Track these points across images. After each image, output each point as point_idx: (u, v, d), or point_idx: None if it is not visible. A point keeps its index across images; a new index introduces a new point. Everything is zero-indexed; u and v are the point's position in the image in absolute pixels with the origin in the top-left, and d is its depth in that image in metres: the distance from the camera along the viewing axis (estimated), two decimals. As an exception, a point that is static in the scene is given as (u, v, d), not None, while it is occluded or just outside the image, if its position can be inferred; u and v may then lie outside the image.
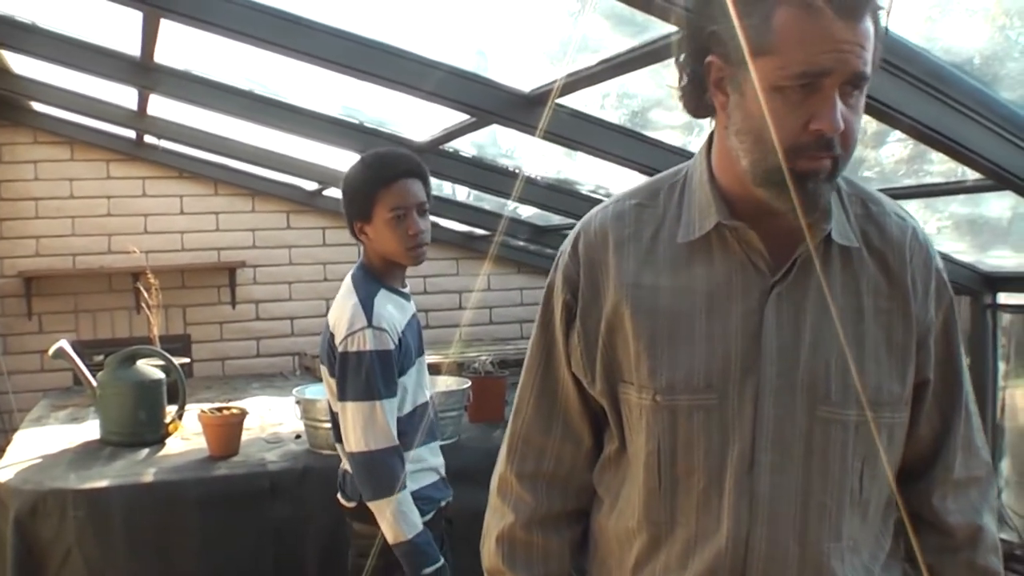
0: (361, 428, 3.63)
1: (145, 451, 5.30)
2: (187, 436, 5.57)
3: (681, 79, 2.01)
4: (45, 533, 4.48)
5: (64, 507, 4.49)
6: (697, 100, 1.98)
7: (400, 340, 3.72)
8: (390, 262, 3.83)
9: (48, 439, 5.69)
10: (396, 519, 3.59)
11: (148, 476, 4.81)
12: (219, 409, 5.24)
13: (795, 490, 1.91)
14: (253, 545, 4.68)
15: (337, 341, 3.69)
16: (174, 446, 5.42)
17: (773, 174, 1.82)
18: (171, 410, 5.68)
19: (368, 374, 3.62)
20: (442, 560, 3.65)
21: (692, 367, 1.94)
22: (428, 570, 3.59)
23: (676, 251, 2.01)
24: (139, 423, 5.43)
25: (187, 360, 7.63)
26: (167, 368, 5.72)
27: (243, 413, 5.19)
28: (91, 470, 4.88)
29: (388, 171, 3.78)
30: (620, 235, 2.07)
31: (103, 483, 4.68)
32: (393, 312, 3.75)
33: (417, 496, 3.69)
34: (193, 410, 5.62)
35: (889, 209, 2.07)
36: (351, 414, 3.65)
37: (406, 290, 3.93)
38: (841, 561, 1.94)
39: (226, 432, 5.09)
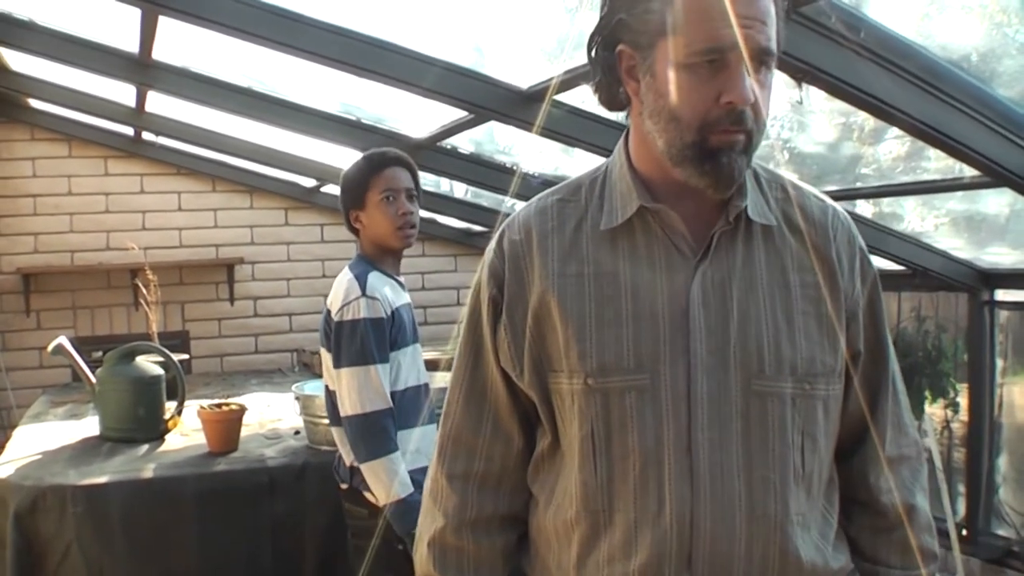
0: (356, 391, 3.81)
1: (144, 447, 5.30)
2: (186, 432, 5.57)
3: (594, 73, 2.05)
4: (45, 529, 4.49)
5: (64, 503, 4.49)
6: (611, 92, 2.04)
7: (393, 314, 3.93)
8: (383, 249, 4.07)
9: (47, 435, 5.69)
10: (390, 478, 3.75)
11: (147, 472, 4.81)
12: (218, 405, 5.25)
13: (737, 466, 1.91)
14: (252, 540, 4.69)
15: (333, 313, 3.92)
16: (173, 442, 5.42)
17: (688, 150, 1.88)
18: (170, 406, 5.67)
19: (363, 340, 3.83)
20: None
21: (621, 348, 1.95)
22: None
23: (600, 239, 2.03)
24: (138, 419, 5.44)
25: (186, 356, 7.63)
26: (166, 364, 5.72)
27: (242, 409, 5.20)
28: (91, 466, 4.89)
29: (378, 159, 4.10)
30: (543, 229, 2.09)
31: (102, 479, 4.68)
32: (385, 289, 3.96)
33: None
34: (192, 406, 5.63)
35: (809, 192, 2.12)
36: (346, 379, 3.84)
37: (401, 279, 4.12)
38: (795, 536, 1.94)
39: (225, 428, 5.09)
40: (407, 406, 3.96)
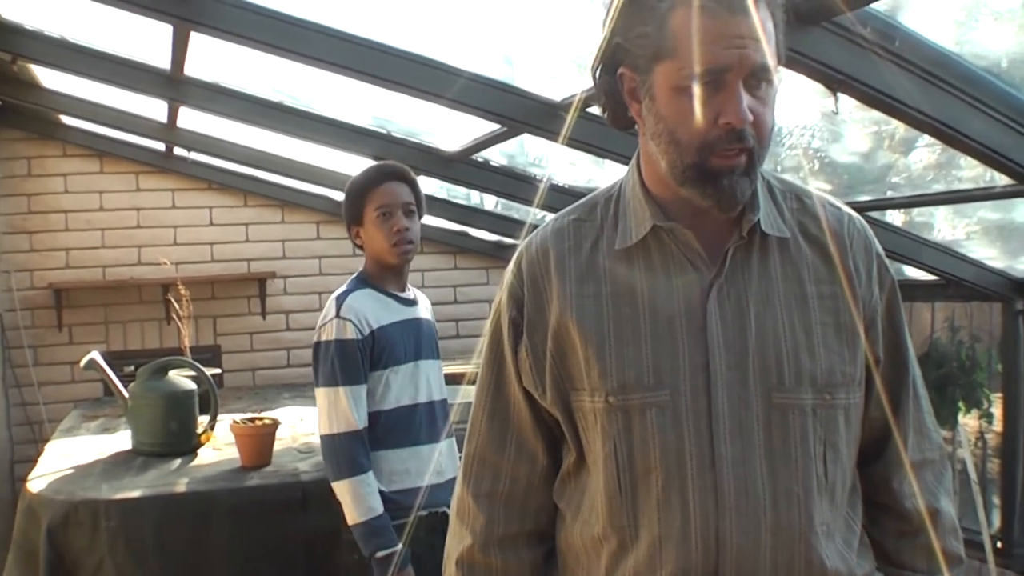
0: (326, 412, 3.94)
1: (177, 461, 5.31)
2: (219, 446, 5.58)
3: (599, 95, 2.09)
4: (77, 543, 4.50)
5: (96, 517, 4.51)
6: (616, 112, 2.07)
7: (373, 334, 3.96)
8: (382, 265, 4.11)
9: (80, 449, 5.71)
10: (354, 500, 3.84)
11: (180, 486, 4.82)
12: (251, 419, 5.25)
13: (761, 480, 1.92)
14: (285, 556, 4.68)
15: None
16: (206, 456, 5.43)
17: (689, 171, 1.91)
18: (203, 420, 5.68)
19: (332, 361, 3.94)
20: (398, 546, 3.81)
21: (641, 366, 1.97)
22: (381, 554, 3.80)
23: (616, 258, 2.07)
24: (171, 433, 5.45)
25: (218, 371, 7.66)
26: (199, 379, 5.73)
27: (275, 423, 5.20)
28: (123, 480, 4.90)
29: (373, 174, 4.13)
30: (560, 250, 2.12)
31: (135, 493, 4.70)
32: (370, 307, 4.01)
33: (386, 499, 3.88)
34: (225, 420, 5.63)
35: (823, 201, 2.13)
36: (320, 399, 4.00)
37: (406, 294, 4.16)
38: (820, 546, 1.94)
39: (258, 442, 5.10)
40: (396, 425, 4.00)
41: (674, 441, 1.94)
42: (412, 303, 4.19)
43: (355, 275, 4.18)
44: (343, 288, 4.09)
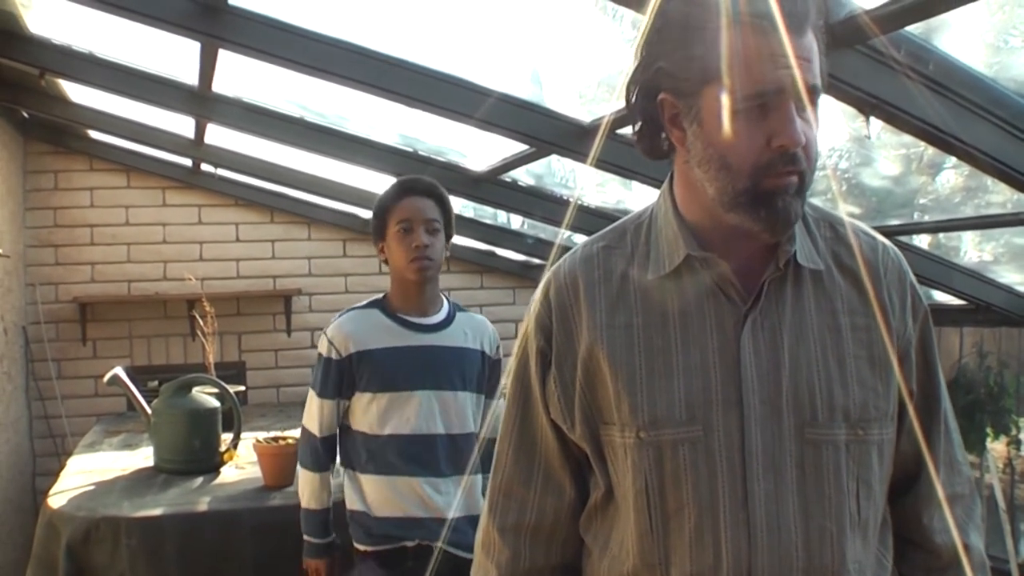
0: (305, 409, 4.18)
1: (199, 479, 5.29)
2: (242, 465, 5.56)
3: (635, 122, 2.03)
4: (98, 560, 4.47)
5: (117, 534, 4.48)
6: (652, 141, 2.02)
7: (351, 356, 4.02)
8: (402, 285, 4.11)
9: (101, 465, 5.70)
10: (302, 488, 4.22)
11: (202, 505, 4.80)
12: (274, 438, 5.22)
13: (794, 517, 1.88)
14: (307, 576, 4.65)
15: None
16: (229, 475, 5.41)
17: (741, 196, 1.85)
18: (226, 438, 5.66)
19: (315, 370, 4.14)
20: (330, 538, 4.23)
21: (673, 400, 1.93)
22: (311, 540, 4.21)
23: (647, 288, 2.01)
24: (193, 451, 5.43)
25: (242, 388, 7.65)
26: (222, 396, 5.71)
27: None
28: (145, 498, 4.88)
29: (398, 188, 4.11)
30: (590, 278, 2.07)
31: (157, 511, 4.67)
32: (361, 330, 4.06)
33: (361, 521, 4.07)
34: (248, 438, 5.61)
35: (857, 229, 2.09)
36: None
37: (426, 319, 4.12)
38: None
39: (281, 462, 5.07)
40: (386, 451, 4.03)
41: (707, 477, 1.90)
42: (436, 328, 4.13)
43: (379, 295, 4.20)
44: (352, 306, 4.20)
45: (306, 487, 4.19)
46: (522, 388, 2.17)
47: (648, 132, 2.01)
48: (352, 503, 4.11)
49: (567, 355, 2.06)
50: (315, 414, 4.10)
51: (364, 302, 4.19)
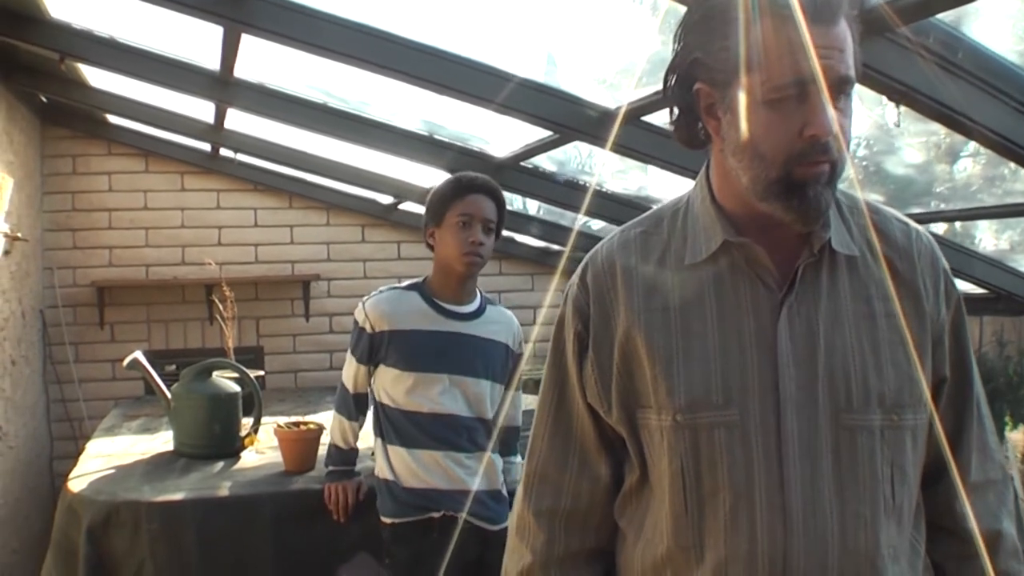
0: (345, 364, 4.42)
1: (220, 464, 5.28)
2: (262, 450, 5.55)
3: (672, 112, 2.05)
4: (118, 545, 4.47)
5: (138, 519, 4.47)
6: (689, 131, 2.04)
7: (384, 333, 4.22)
8: (446, 271, 4.24)
9: (121, 449, 5.71)
10: (333, 428, 4.51)
11: (223, 490, 4.79)
12: (295, 424, 5.22)
13: (829, 502, 1.90)
14: (328, 562, 4.65)
15: None
16: (249, 460, 5.40)
17: (774, 186, 1.86)
18: (246, 423, 5.66)
19: (352, 333, 4.35)
20: (353, 468, 4.57)
21: (710, 384, 1.94)
22: (336, 468, 4.53)
23: (684, 273, 2.03)
24: (214, 436, 5.43)
25: (261, 372, 7.65)
26: (242, 381, 5.72)
27: (320, 429, 5.14)
28: (165, 482, 4.88)
29: (467, 182, 4.22)
30: (627, 263, 2.10)
31: (177, 496, 4.66)
32: (397, 310, 4.25)
33: (390, 490, 4.21)
34: (267, 423, 5.61)
35: (891, 215, 2.11)
36: None
37: (462, 308, 4.27)
38: (886, 569, 1.92)
39: (302, 448, 5.06)
40: (412, 426, 4.18)
41: (743, 461, 1.91)
42: (467, 317, 4.26)
43: (420, 278, 4.37)
44: (394, 284, 4.40)
45: (336, 429, 4.47)
46: (559, 373, 2.18)
47: (685, 122, 2.03)
48: (382, 471, 4.23)
49: (604, 339, 2.07)
50: (351, 373, 4.34)
51: (406, 283, 4.36)
